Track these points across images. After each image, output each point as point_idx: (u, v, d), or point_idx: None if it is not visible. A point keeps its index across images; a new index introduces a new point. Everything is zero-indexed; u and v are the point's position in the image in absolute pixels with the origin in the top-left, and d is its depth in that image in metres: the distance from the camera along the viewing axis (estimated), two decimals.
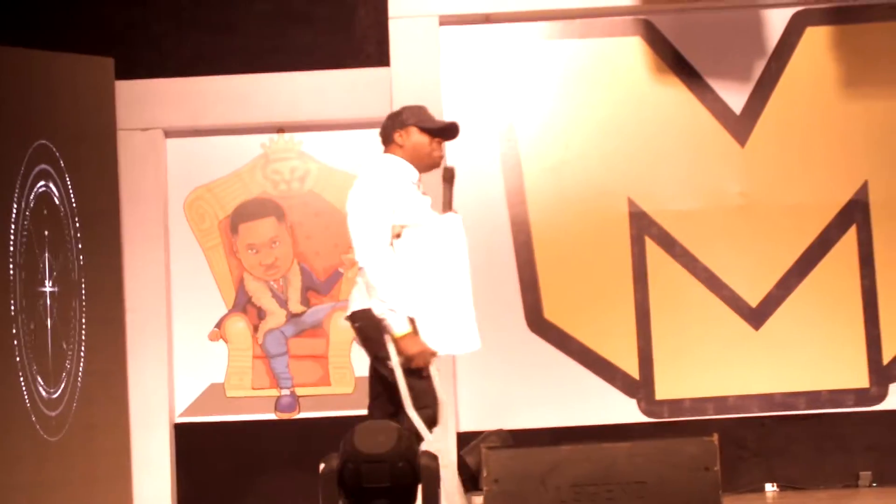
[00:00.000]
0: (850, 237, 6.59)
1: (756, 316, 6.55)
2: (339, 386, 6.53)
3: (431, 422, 4.40)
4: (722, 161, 6.59)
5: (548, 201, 6.57)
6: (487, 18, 6.62)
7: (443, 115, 6.43)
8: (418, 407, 4.37)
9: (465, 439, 6.36)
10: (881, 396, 6.54)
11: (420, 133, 4.56)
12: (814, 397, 6.53)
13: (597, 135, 6.61)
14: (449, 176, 4.58)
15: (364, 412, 6.09)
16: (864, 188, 6.58)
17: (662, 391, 6.54)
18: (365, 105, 6.52)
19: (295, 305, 6.53)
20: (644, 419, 6.52)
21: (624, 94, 6.62)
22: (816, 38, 6.63)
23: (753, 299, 6.55)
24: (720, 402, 6.51)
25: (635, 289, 6.53)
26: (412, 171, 4.56)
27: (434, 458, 5.76)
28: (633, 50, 6.63)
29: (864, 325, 6.54)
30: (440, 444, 4.31)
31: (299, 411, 6.54)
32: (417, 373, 4.37)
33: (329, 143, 6.65)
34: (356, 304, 4.50)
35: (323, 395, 6.53)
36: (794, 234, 6.56)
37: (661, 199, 6.57)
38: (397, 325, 4.34)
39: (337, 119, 6.61)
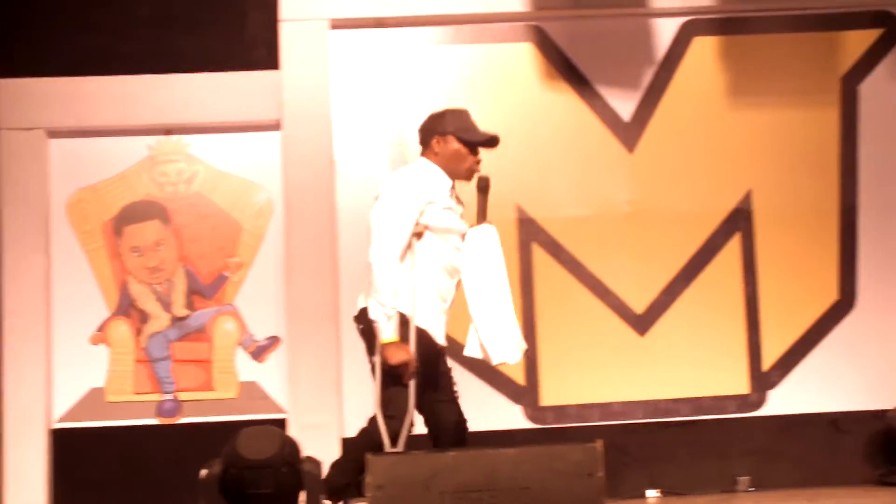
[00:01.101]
0: (734, 245, 7.14)
1: (641, 322, 7.08)
2: (222, 391, 6.88)
3: (394, 437, 4.61)
4: (610, 168, 7.16)
5: None
6: (379, 23, 7.11)
7: (332, 118, 6.61)
8: (386, 415, 4.61)
9: None
10: (760, 402, 7.02)
11: (459, 143, 4.71)
12: (696, 404, 7.11)
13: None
14: (484, 186, 4.76)
15: (247, 416, 6.21)
16: (748, 197, 7.13)
17: (547, 397, 7.00)
18: (254, 108, 6.94)
19: (179, 309, 6.82)
20: (529, 425, 7.07)
21: (514, 100, 7.12)
22: (704, 48, 7.21)
23: (639, 306, 7.07)
24: (605, 409, 7.06)
25: (522, 295, 7.01)
26: (445, 180, 4.74)
27: (317, 463, 5.89)
28: (524, 56, 7.16)
29: (746, 331, 7.17)
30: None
31: (182, 416, 6.80)
32: (396, 381, 4.59)
33: (217, 145, 7.06)
34: (361, 303, 4.75)
35: (206, 400, 6.92)
36: (680, 241, 7.13)
37: (550, 205, 7.14)
38: (385, 331, 4.56)
39: (226, 121, 7.00)
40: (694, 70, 7.05)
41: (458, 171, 4.73)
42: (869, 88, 7.05)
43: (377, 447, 4.62)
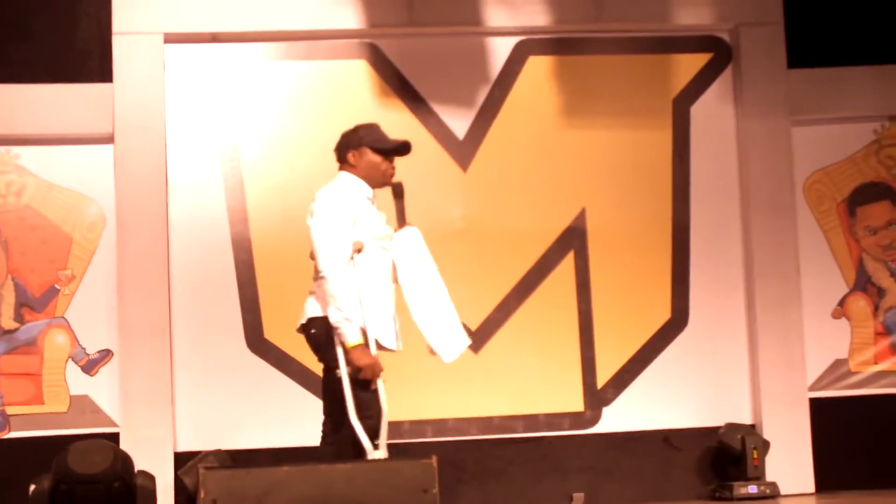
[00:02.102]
0: (568, 263, 9.20)
1: (475, 339, 8.92)
2: (52, 404, 8.68)
3: (374, 434, 5.82)
4: (444, 185, 9.09)
5: (270, 221, 8.95)
6: (214, 38, 8.99)
7: (165, 132, 8.95)
8: (361, 417, 5.82)
9: (182, 459, 8.51)
10: (595, 420, 9.19)
11: (373, 153, 6.18)
12: (531, 420, 9.03)
13: (321, 156, 8.87)
14: (399, 191, 6.21)
15: (79, 431, 8.34)
16: (581, 215, 9.20)
17: None
18: (86, 120, 8.82)
19: (8, 322, 8.68)
20: None
21: (348, 117, 8.68)
22: (538, 68, 9.28)
23: (473, 323, 9.02)
24: (439, 425, 8.92)
25: None
26: (367, 189, 6.11)
27: (150, 477, 8.00)
28: (358, 73, 9.14)
29: (580, 349, 9.12)
30: (381, 453, 5.88)
31: (9, 431, 8.64)
32: (365, 384, 5.85)
33: (48, 157, 8.86)
34: (311, 312, 6.01)
35: (35, 414, 8.68)
36: (514, 258, 9.09)
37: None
38: (350, 335, 5.82)
39: (56, 133, 8.83)
40: (528, 89, 9.12)
41: (376, 179, 6.15)
42: (700, 110, 9.28)
43: (357, 450, 5.85)
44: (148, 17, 8.92)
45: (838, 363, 9.38)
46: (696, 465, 9.19)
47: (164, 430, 8.61)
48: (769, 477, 8.87)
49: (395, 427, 8.63)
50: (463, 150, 9.25)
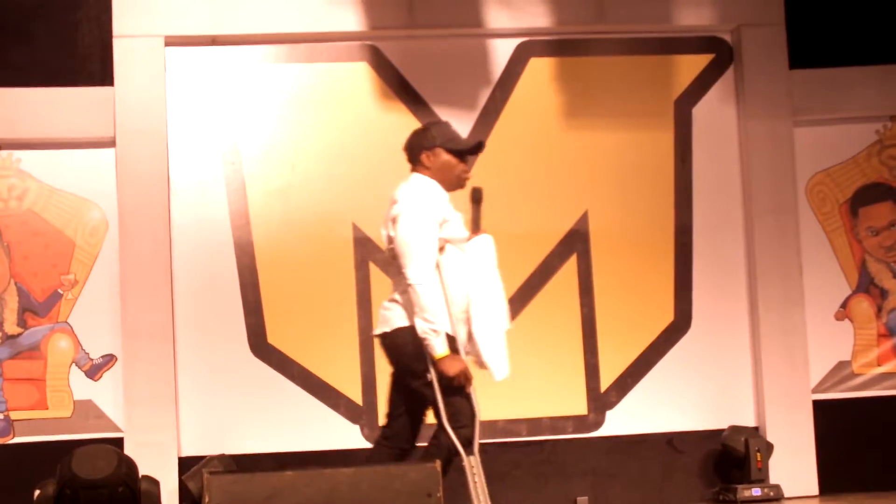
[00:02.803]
0: (571, 266, 9.22)
1: None
2: (56, 409, 8.70)
3: (468, 442, 5.90)
4: None
5: (272, 224, 8.97)
6: (214, 41, 9.00)
7: (167, 135, 8.95)
8: (455, 426, 5.88)
9: (186, 464, 8.55)
10: (598, 423, 9.20)
11: (447, 154, 6.11)
12: (535, 424, 9.04)
13: (322, 159, 9.12)
14: (478, 197, 6.17)
15: (83, 436, 8.35)
16: (584, 218, 9.23)
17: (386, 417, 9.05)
18: (87, 124, 8.83)
19: (11, 327, 8.72)
20: (367, 445, 8.71)
21: (350, 120, 9.10)
22: (540, 69, 9.29)
23: None
24: None
25: (359, 314, 8.94)
26: (443, 192, 6.06)
27: (155, 482, 8.03)
28: (360, 75, 9.16)
29: (584, 353, 9.13)
30: (475, 458, 5.97)
31: (14, 436, 8.67)
32: (458, 392, 5.87)
33: (50, 161, 8.87)
34: (398, 322, 5.99)
35: (39, 419, 8.70)
36: (517, 262, 9.02)
37: None
38: (438, 347, 5.81)
39: (57, 137, 8.83)
40: (530, 91, 9.13)
41: (451, 182, 6.08)
42: (702, 111, 9.30)
43: (452, 456, 5.94)
44: (148, 20, 8.93)
45: (841, 365, 9.40)
46: (700, 468, 9.22)
47: (168, 435, 8.64)
48: (773, 479, 8.92)
49: None
50: None
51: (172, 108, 9.01)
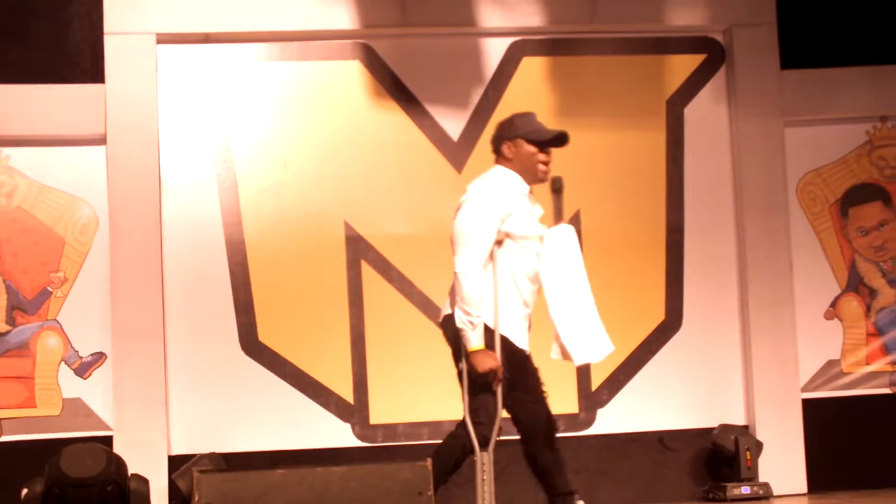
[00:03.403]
0: None
1: None
2: (45, 408, 8.61)
3: (484, 441, 5.94)
4: (439, 187, 9.02)
5: (264, 222, 8.90)
6: (206, 38, 8.91)
7: (158, 133, 8.86)
8: (474, 421, 5.91)
9: (176, 463, 8.48)
10: (590, 421, 9.17)
11: (528, 144, 6.08)
12: None
13: (314, 157, 9.05)
14: (558, 187, 6.06)
15: (72, 434, 8.28)
16: (576, 217, 9.06)
17: (377, 416, 8.89)
18: (78, 122, 8.74)
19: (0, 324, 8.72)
20: (359, 443, 8.82)
21: (342, 118, 9.03)
22: (533, 68, 9.23)
23: None
24: (434, 427, 8.84)
25: (351, 313, 8.90)
26: (522, 185, 6.04)
27: (144, 481, 7.96)
28: (352, 74, 9.08)
29: None
30: (487, 456, 5.99)
31: (1, 434, 8.56)
32: (484, 388, 5.89)
33: (39, 159, 8.78)
34: (447, 309, 6.08)
35: (28, 418, 8.61)
36: None
37: (378, 223, 8.97)
38: (473, 340, 5.83)
39: (47, 135, 8.75)
40: (523, 90, 9.06)
41: (531, 172, 6.03)
42: (694, 111, 9.25)
43: (466, 452, 5.96)
44: (140, 17, 8.85)
45: (831, 364, 9.38)
46: (690, 466, 9.20)
47: (157, 434, 8.57)
48: (762, 477, 8.88)
49: (389, 429, 8.71)
50: (457, 152, 9.19)
51: (164, 105, 8.92)
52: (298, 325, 8.91)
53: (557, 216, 6.13)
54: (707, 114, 9.41)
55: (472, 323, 5.87)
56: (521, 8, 9.14)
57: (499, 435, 6.05)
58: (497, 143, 6.17)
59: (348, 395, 8.94)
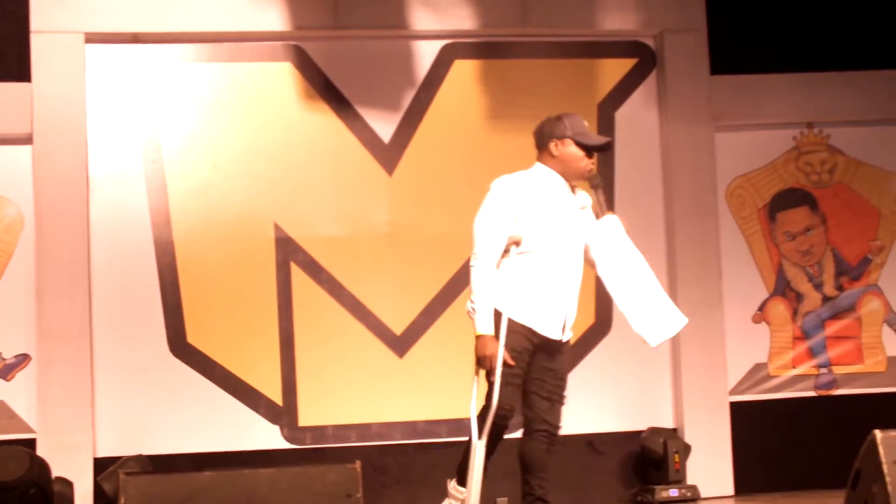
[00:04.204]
0: None
1: (400, 344, 8.93)
2: None
3: (501, 429, 6.11)
4: (369, 189, 8.97)
5: (193, 223, 8.78)
6: (136, 38, 8.77)
7: (87, 133, 8.70)
8: (487, 404, 6.01)
9: (102, 465, 8.35)
10: (519, 424, 9.12)
11: (576, 146, 6.14)
12: (455, 425, 8.87)
13: (245, 159, 8.91)
14: (596, 183, 6.17)
15: None
16: None
17: (306, 418, 8.81)
18: (4, 120, 8.59)
19: None
20: (287, 446, 8.73)
21: (273, 120, 8.92)
22: (464, 71, 9.17)
23: (398, 327, 8.94)
24: (363, 430, 8.82)
25: (280, 315, 8.80)
26: (561, 182, 6.11)
27: (69, 484, 7.81)
28: (283, 75, 8.97)
29: None
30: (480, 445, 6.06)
31: None
32: (487, 374, 5.97)
33: None
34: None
35: None
36: (439, 263, 8.97)
37: (308, 225, 8.87)
38: (478, 325, 5.94)
39: None
40: (454, 93, 9.02)
41: (575, 173, 6.10)
42: (624, 115, 9.23)
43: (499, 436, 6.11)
44: (68, 16, 8.70)
45: (758, 367, 9.40)
46: (619, 469, 9.18)
47: (83, 436, 8.43)
48: (690, 480, 8.89)
49: (318, 431, 8.61)
50: (388, 154, 9.12)
51: (92, 105, 8.78)
52: (227, 327, 8.80)
53: (601, 209, 6.25)
54: (638, 118, 9.39)
55: (475, 309, 5.97)
56: (453, 11, 9.07)
57: (505, 424, 6.19)
58: (545, 139, 6.24)
59: (277, 397, 8.85)
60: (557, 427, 6.29)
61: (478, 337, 5.97)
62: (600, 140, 6.23)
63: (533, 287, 6.09)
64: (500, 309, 6.04)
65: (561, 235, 6.14)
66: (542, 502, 6.24)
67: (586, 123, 6.25)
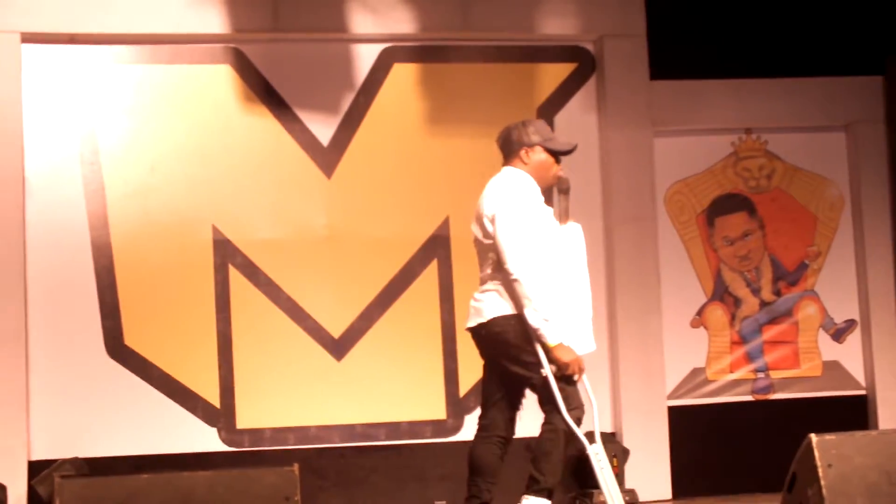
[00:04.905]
0: (432, 271, 9.09)
1: (338, 347, 8.90)
2: None
3: (578, 422, 5.95)
4: (308, 192, 8.94)
5: (131, 226, 8.72)
6: (73, 39, 8.70)
7: (23, 134, 8.62)
8: (570, 408, 5.89)
9: (37, 468, 8.28)
10: (457, 428, 9.07)
11: (545, 152, 6.15)
12: (394, 428, 8.92)
13: (183, 161, 8.84)
14: (565, 187, 6.16)
15: None
16: (445, 223, 9.09)
17: (244, 420, 8.76)
18: None
19: None
20: (225, 448, 8.69)
21: (212, 122, 8.87)
22: (404, 75, 9.16)
23: (336, 330, 8.91)
24: (301, 433, 8.78)
25: (218, 317, 8.76)
26: (537, 186, 6.09)
27: (2, 488, 7.72)
28: (223, 78, 8.94)
29: (443, 357, 9.01)
30: (598, 447, 6.06)
31: None
32: (568, 378, 5.89)
33: None
34: (492, 312, 5.99)
35: None
36: (378, 267, 8.97)
37: (246, 228, 8.84)
38: (551, 336, 5.83)
39: None
40: (393, 96, 9.01)
41: (544, 179, 6.11)
42: (564, 119, 9.21)
43: (570, 439, 6.02)
44: (3, 15, 8.62)
45: (696, 372, 9.44)
46: None
47: (17, 439, 8.36)
48: (628, 484, 8.86)
49: (256, 434, 8.59)
50: (327, 157, 9.09)
51: (28, 106, 8.71)
52: (165, 330, 8.75)
53: (565, 215, 6.21)
54: (577, 123, 9.37)
55: (545, 319, 5.86)
56: (393, 14, 9.06)
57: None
58: (514, 147, 6.20)
59: (215, 399, 8.80)
60: (513, 436, 6.37)
61: (557, 346, 5.91)
62: (568, 145, 6.27)
63: (560, 293, 6.06)
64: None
65: (553, 239, 6.16)
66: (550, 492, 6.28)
67: (549, 128, 6.29)
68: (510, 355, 6.06)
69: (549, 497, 6.22)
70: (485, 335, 6.13)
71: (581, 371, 5.97)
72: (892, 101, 9.66)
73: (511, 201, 6.00)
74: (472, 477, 6.27)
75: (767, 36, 9.69)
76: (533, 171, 6.16)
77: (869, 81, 9.75)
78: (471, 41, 9.31)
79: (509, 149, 6.22)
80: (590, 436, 6.08)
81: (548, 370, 5.92)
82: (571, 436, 6.00)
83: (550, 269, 5.99)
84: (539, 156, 6.18)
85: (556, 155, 6.22)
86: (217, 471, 5.70)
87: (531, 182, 6.14)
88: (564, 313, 5.99)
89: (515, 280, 5.88)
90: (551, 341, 5.88)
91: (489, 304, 6.06)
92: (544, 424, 6.11)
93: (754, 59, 9.65)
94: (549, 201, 6.24)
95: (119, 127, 8.85)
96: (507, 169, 6.20)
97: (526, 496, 6.23)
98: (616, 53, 9.38)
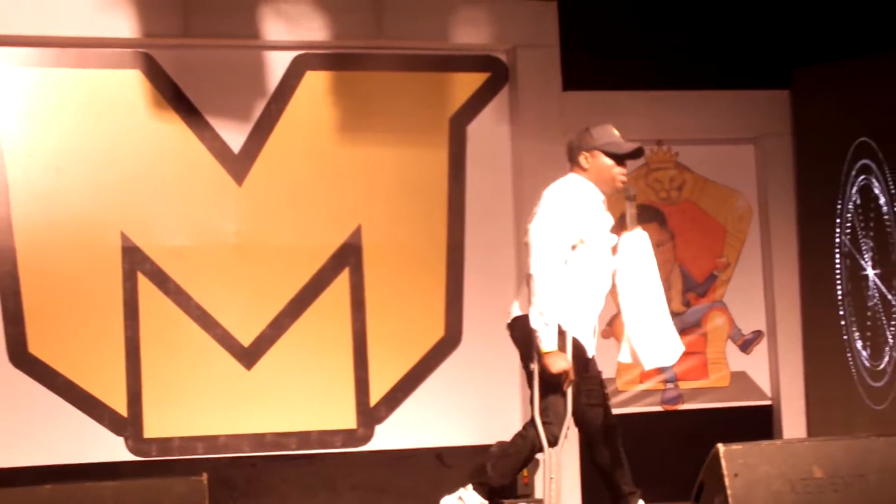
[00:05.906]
0: (343, 280, 9.05)
1: (248, 355, 8.83)
2: None
3: (553, 440, 5.96)
4: (218, 199, 8.86)
5: (37, 230, 8.58)
6: None
7: None
8: (544, 421, 5.91)
9: None
10: (368, 437, 9.04)
11: (606, 156, 6.13)
12: (304, 438, 8.86)
13: (90, 166, 8.69)
14: (632, 195, 6.15)
15: None
16: (357, 232, 9.05)
17: (151, 429, 8.65)
18: None
19: None
20: (132, 457, 8.59)
21: (120, 127, 8.75)
22: (316, 83, 9.10)
23: (246, 339, 8.84)
24: (210, 442, 8.70)
25: (126, 325, 8.65)
26: (598, 194, 6.11)
27: None
28: (132, 83, 8.83)
29: (354, 367, 8.97)
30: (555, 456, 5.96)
31: None
32: (555, 389, 5.93)
33: None
34: (516, 311, 6.12)
35: None
36: (288, 275, 8.92)
37: (155, 234, 8.74)
38: (546, 342, 5.87)
39: None
40: (305, 104, 8.95)
41: (607, 183, 6.10)
42: (476, 129, 9.24)
43: (535, 450, 5.99)
44: None
45: (606, 382, 9.37)
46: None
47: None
48: (538, 495, 8.82)
49: (164, 443, 8.50)
50: (238, 165, 9.02)
51: None
52: (71, 337, 8.63)
53: (632, 222, 6.19)
54: (490, 132, 9.39)
55: (545, 324, 5.90)
56: (306, 22, 8.99)
57: (566, 435, 6.12)
58: (574, 152, 6.24)
59: (122, 408, 8.69)
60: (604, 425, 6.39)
61: (548, 353, 5.97)
62: (630, 147, 6.19)
63: (585, 303, 6.14)
64: (561, 324, 6.06)
65: (603, 249, 6.19)
66: (634, 494, 6.55)
67: (616, 132, 6.23)
68: (521, 354, 6.22)
69: (487, 496, 6.24)
70: (510, 334, 6.28)
71: (567, 381, 6.00)
72: (799, 114, 9.75)
73: (552, 203, 6.06)
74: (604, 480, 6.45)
75: (679, 48, 9.75)
76: (594, 177, 6.17)
77: (776, 95, 9.83)
78: (384, 50, 9.28)
79: (571, 154, 6.27)
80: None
81: (535, 373, 6.02)
82: (537, 445, 6.03)
83: (587, 279, 6.05)
84: (599, 160, 6.17)
85: (618, 158, 6.17)
86: (124, 481, 5.72)
87: (586, 189, 6.16)
88: (583, 322, 6.09)
89: (529, 276, 5.95)
90: (545, 347, 5.93)
91: (514, 305, 6.21)
92: (522, 428, 6.18)
93: (666, 71, 9.70)
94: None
95: (24, 129, 8.72)
96: (568, 175, 6.26)
97: (465, 487, 6.34)
98: (529, 63, 9.38)
